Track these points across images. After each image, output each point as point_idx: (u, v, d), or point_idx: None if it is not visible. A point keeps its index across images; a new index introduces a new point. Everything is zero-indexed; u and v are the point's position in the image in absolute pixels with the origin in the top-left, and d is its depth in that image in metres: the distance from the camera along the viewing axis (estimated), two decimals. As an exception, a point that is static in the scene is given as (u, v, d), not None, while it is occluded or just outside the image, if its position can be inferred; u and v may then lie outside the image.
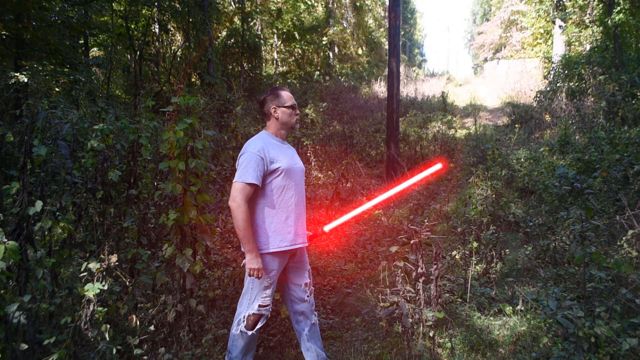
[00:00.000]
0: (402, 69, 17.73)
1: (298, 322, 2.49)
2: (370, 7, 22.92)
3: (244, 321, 2.28)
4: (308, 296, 2.47)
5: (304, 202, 2.48)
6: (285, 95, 2.43)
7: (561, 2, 13.47)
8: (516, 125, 10.62)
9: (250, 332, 2.28)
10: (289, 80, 17.76)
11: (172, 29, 13.80)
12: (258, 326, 2.30)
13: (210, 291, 3.22)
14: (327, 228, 2.57)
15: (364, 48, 23.14)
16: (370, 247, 4.97)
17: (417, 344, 2.76)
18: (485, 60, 29.88)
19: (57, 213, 2.73)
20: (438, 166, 2.49)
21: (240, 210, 2.18)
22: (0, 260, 1.86)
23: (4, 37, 6.46)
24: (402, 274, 2.86)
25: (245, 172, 2.21)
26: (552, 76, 12.06)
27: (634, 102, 8.36)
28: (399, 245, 2.96)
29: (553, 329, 2.76)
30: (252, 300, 2.29)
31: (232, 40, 16.25)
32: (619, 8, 10.45)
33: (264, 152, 2.26)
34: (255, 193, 2.29)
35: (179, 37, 14.77)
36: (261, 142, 2.32)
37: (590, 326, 2.22)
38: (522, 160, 7.26)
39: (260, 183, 2.24)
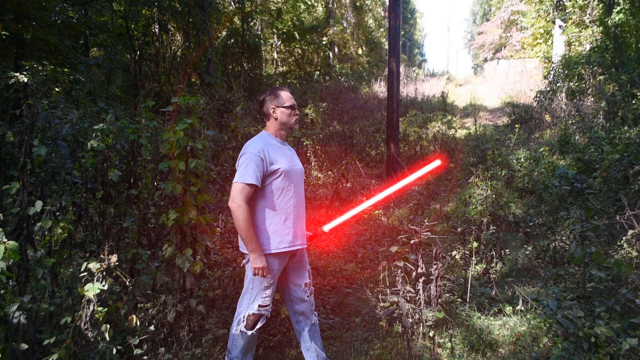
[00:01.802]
0: (402, 69, 17.74)
1: (298, 322, 2.49)
2: (370, 7, 22.90)
3: (243, 321, 2.28)
4: (308, 296, 2.47)
5: (304, 204, 2.47)
6: (285, 95, 2.42)
7: (561, 2, 13.46)
8: (516, 125, 10.61)
9: (250, 332, 2.28)
10: (289, 80, 17.74)
11: (172, 29, 13.79)
12: (258, 326, 2.30)
13: (210, 291, 3.22)
14: (326, 228, 2.57)
15: (364, 48, 23.13)
16: (370, 247, 4.97)
17: (417, 344, 2.76)
18: (485, 60, 29.87)
19: (57, 213, 2.73)
20: (437, 163, 2.46)
21: (241, 211, 2.18)
22: (0, 260, 1.86)
23: (4, 37, 6.46)
24: (402, 274, 2.86)
25: (245, 173, 2.21)
26: (552, 76, 12.04)
27: (634, 102, 8.36)
28: (399, 245, 2.96)
29: (553, 329, 2.76)
30: (252, 301, 2.29)
31: (232, 40, 16.24)
32: (619, 8, 10.44)
33: (264, 153, 2.26)
34: (255, 194, 2.29)
35: (178, 37, 14.77)
36: (261, 142, 2.31)
37: (590, 326, 2.22)
38: (522, 160, 7.26)
39: (260, 184, 2.24)
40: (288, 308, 2.54)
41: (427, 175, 7.98)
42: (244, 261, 2.40)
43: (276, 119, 2.40)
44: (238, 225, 2.20)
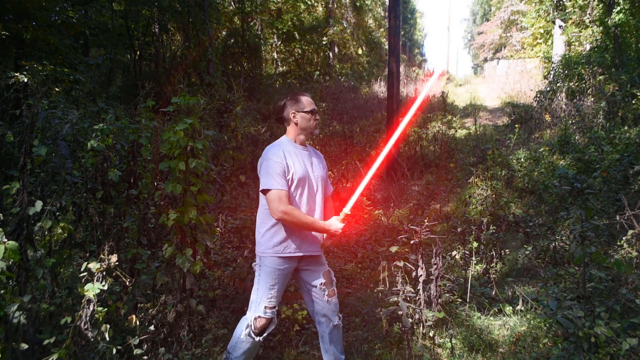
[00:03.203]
0: (402, 69, 17.70)
1: (320, 324, 2.47)
2: (370, 7, 22.88)
3: (252, 325, 2.27)
4: (328, 297, 2.44)
5: (318, 211, 2.44)
6: (305, 100, 2.42)
7: (561, 2, 13.45)
8: (516, 125, 10.60)
9: (257, 339, 2.27)
10: (288, 80, 17.73)
11: (172, 29, 13.78)
12: (265, 333, 2.29)
13: (210, 291, 3.22)
14: (347, 209, 2.46)
15: (364, 48, 23.11)
16: (370, 247, 4.97)
17: (417, 344, 2.76)
18: (485, 60, 29.86)
19: (57, 213, 2.73)
20: (439, 72, 2.34)
21: (289, 214, 2.20)
22: (0, 260, 1.86)
23: (4, 37, 6.46)
24: (402, 274, 2.86)
25: (273, 179, 2.22)
26: (552, 76, 12.03)
27: (634, 102, 8.35)
28: (399, 245, 2.96)
29: (553, 329, 2.76)
30: (259, 302, 2.29)
31: (232, 40, 16.23)
32: (619, 8, 10.44)
33: (282, 158, 2.28)
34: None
35: (178, 37, 14.76)
36: (280, 148, 2.34)
37: (590, 326, 2.22)
38: (522, 160, 7.25)
39: (286, 187, 2.25)
40: (309, 309, 2.52)
41: (428, 180, 7.97)
42: (254, 264, 2.40)
43: (296, 123, 2.40)
44: (298, 226, 2.25)
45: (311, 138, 2.51)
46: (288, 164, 2.29)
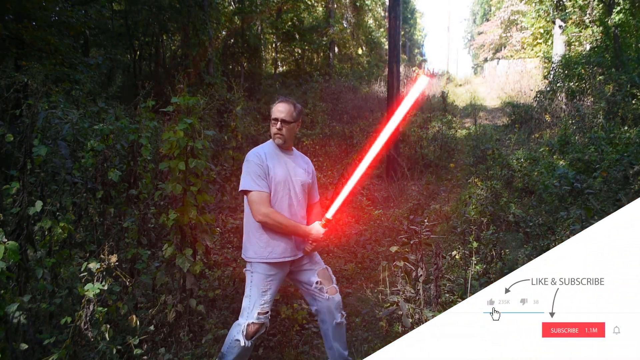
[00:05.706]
0: (402, 69, 17.70)
1: (323, 322, 2.46)
2: (370, 7, 22.88)
3: (244, 331, 2.27)
4: (328, 294, 2.43)
5: (301, 214, 2.44)
6: (274, 107, 2.39)
7: (561, 2, 13.46)
8: (516, 125, 10.61)
9: (247, 343, 2.26)
10: (288, 80, 17.72)
11: (172, 29, 13.79)
12: (255, 336, 2.29)
13: (210, 291, 3.22)
14: (329, 215, 2.41)
15: (364, 48, 23.12)
16: (370, 247, 4.97)
17: (417, 344, 2.76)
18: (485, 60, 29.84)
19: (57, 213, 2.73)
20: (424, 80, 2.01)
21: (270, 217, 2.19)
22: (0, 260, 1.86)
23: (4, 37, 6.46)
24: (402, 274, 2.86)
25: (253, 182, 2.22)
26: (552, 76, 12.04)
27: (634, 102, 8.36)
28: (399, 245, 2.96)
29: (553, 329, 2.76)
30: (252, 309, 2.28)
31: (232, 40, 16.24)
32: (619, 8, 10.45)
33: (263, 160, 2.28)
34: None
35: (179, 37, 14.77)
36: (262, 150, 2.34)
37: (590, 326, 2.22)
38: (522, 160, 7.26)
39: (268, 189, 2.25)
40: (312, 307, 2.51)
41: (429, 178, 7.97)
42: (245, 269, 2.39)
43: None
44: (279, 230, 2.23)
45: (283, 145, 2.39)
46: (268, 166, 2.27)
